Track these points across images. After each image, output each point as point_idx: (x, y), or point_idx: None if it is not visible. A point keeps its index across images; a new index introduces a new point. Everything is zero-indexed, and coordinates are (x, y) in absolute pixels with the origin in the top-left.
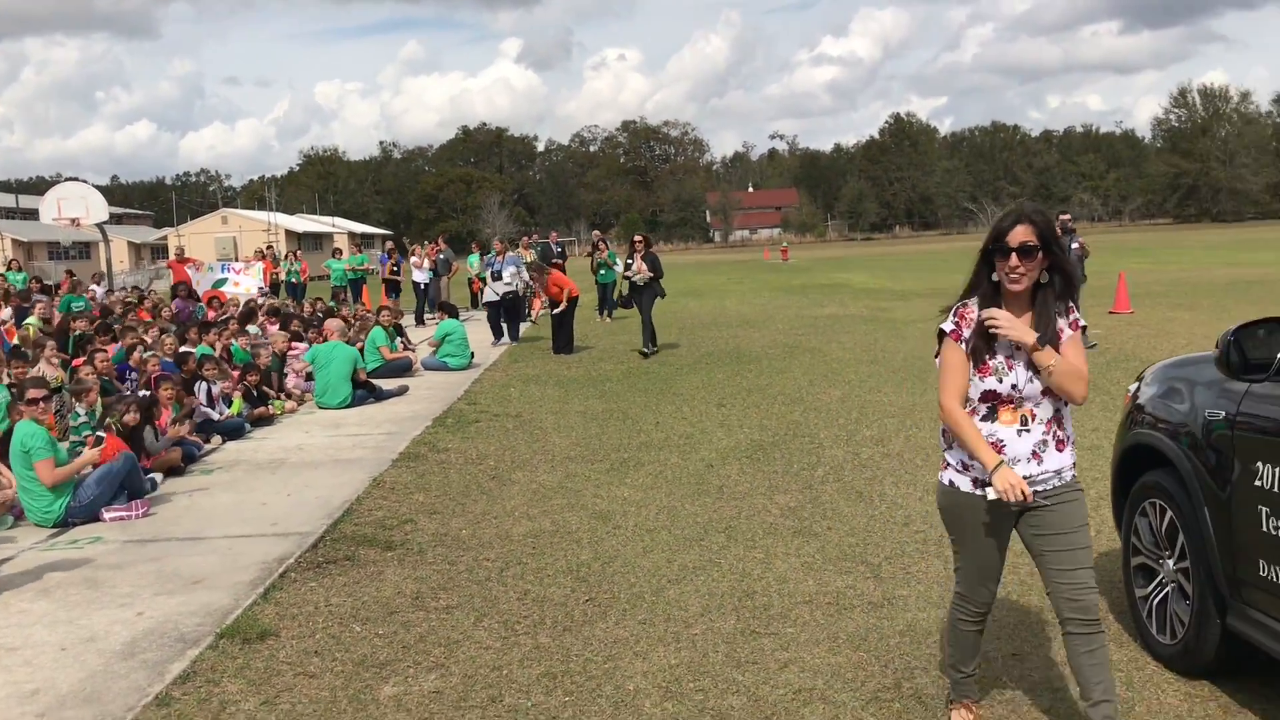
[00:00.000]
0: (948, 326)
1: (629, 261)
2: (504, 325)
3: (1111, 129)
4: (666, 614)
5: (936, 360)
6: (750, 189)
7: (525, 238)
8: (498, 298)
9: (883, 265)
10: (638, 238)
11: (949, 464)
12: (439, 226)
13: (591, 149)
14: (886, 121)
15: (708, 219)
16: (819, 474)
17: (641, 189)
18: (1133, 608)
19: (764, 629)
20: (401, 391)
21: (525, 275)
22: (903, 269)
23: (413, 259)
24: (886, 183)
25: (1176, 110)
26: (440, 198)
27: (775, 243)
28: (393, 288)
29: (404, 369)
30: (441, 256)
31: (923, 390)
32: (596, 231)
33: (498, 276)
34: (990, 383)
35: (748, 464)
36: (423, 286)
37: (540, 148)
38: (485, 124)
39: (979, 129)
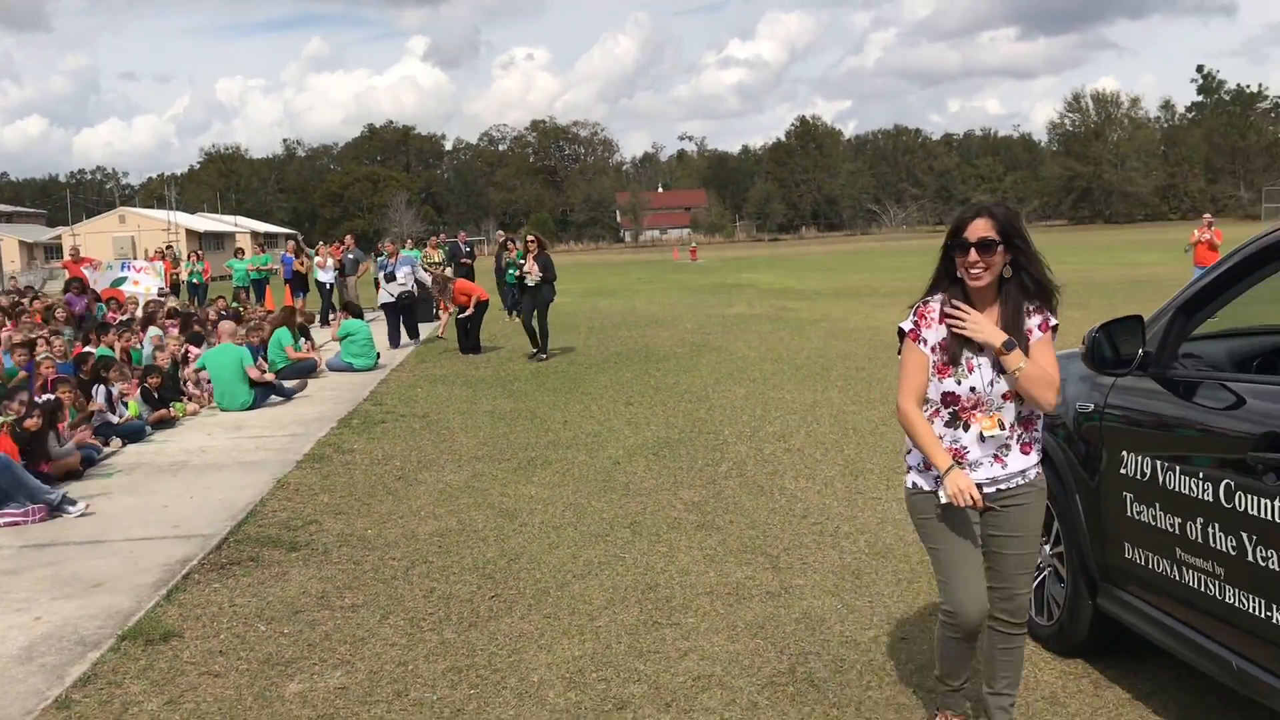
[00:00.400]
0: (907, 325)
1: (521, 262)
2: (403, 327)
3: (1009, 133)
4: (571, 608)
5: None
6: (660, 189)
7: (433, 237)
8: (393, 299)
9: (789, 265)
10: (531, 238)
11: (911, 466)
12: (344, 225)
13: (500, 148)
14: (793, 124)
15: (618, 219)
16: (723, 469)
17: (551, 188)
18: None
19: (665, 620)
20: (302, 387)
21: (420, 275)
22: (808, 269)
23: (316, 258)
24: (793, 184)
25: (1071, 115)
26: (346, 196)
27: (685, 243)
28: (299, 286)
29: (308, 370)
30: (350, 256)
31: (824, 387)
32: (501, 232)
33: (391, 278)
34: (949, 384)
35: (654, 461)
36: (328, 286)
37: (448, 146)
38: (392, 122)
39: (882, 132)
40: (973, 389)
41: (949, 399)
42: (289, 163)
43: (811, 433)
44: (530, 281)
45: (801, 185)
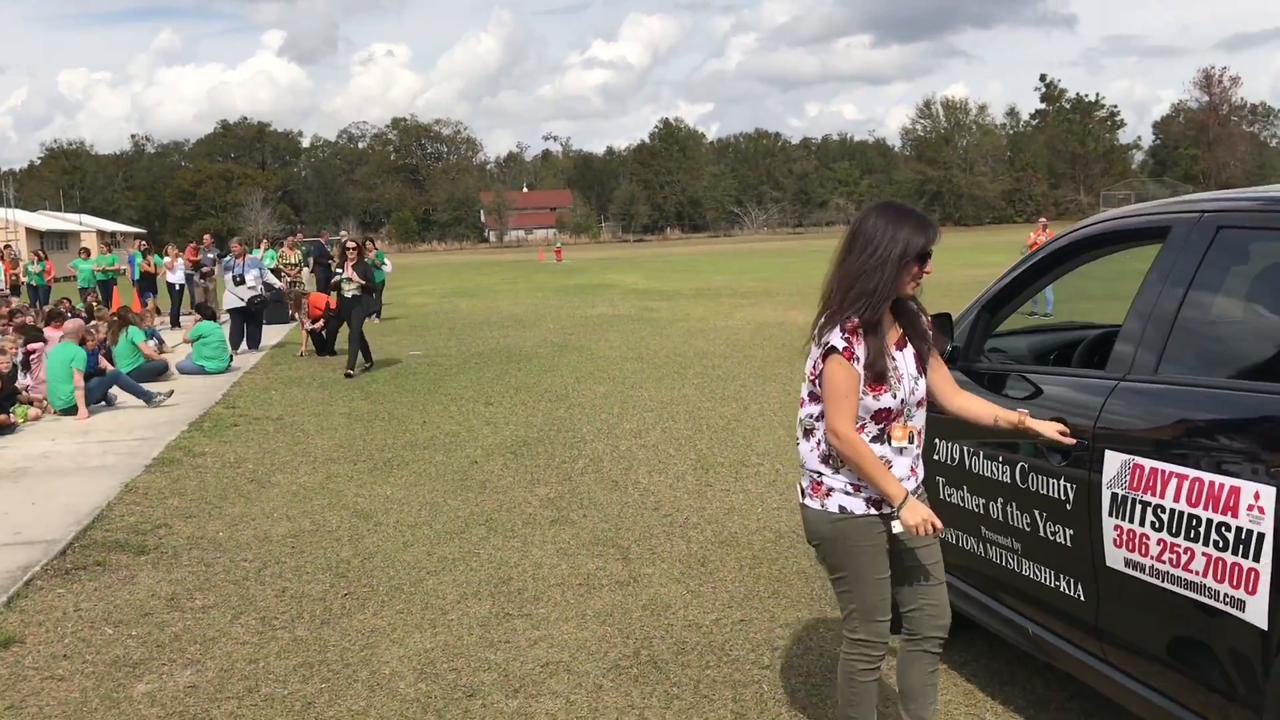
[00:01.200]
0: (839, 344)
1: (338, 270)
2: (246, 333)
3: (865, 137)
4: (424, 603)
5: (812, 377)
6: (525, 189)
7: (290, 237)
8: (242, 303)
9: (652, 266)
10: (350, 243)
11: (834, 488)
12: (198, 225)
13: (360, 146)
14: (656, 126)
15: (482, 219)
16: (579, 466)
17: (413, 187)
18: None
19: (517, 611)
20: (169, 395)
21: (268, 278)
22: (671, 270)
23: (164, 260)
24: (657, 186)
25: (923, 121)
26: (198, 194)
27: (550, 243)
28: (148, 287)
29: (159, 372)
30: (210, 256)
31: (681, 385)
32: (344, 233)
33: (240, 281)
34: (885, 399)
35: (511, 459)
36: (177, 288)
37: (305, 144)
38: (246, 118)
39: (744, 135)
40: (903, 400)
41: (882, 415)
42: (138, 159)
43: (667, 429)
44: (348, 292)
45: (666, 187)
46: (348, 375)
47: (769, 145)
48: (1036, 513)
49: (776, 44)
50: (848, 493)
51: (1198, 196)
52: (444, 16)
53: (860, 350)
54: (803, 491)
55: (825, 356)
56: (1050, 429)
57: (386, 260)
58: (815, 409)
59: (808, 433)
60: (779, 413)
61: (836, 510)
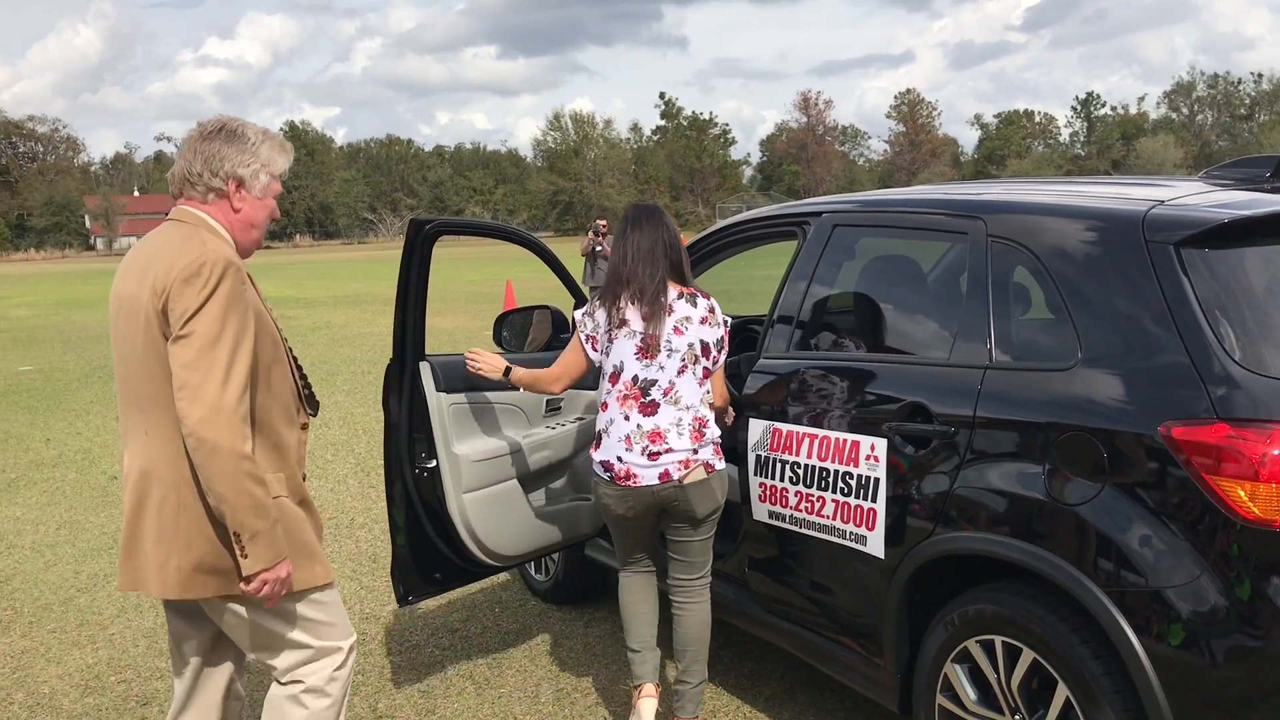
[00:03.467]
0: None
1: None
2: None
3: (498, 147)
4: (80, 620)
5: (716, 355)
6: (136, 193)
7: None
8: None
9: (286, 273)
10: None
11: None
12: None
13: None
14: (282, 128)
15: (88, 224)
16: None
17: (4, 190)
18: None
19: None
20: None
21: None
22: (306, 277)
23: None
24: (286, 190)
25: (553, 133)
26: None
27: None
28: None
29: None
30: None
31: (331, 391)
32: None
33: None
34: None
35: None
36: None
37: None
38: None
39: (375, 141)
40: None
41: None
42: None
43: (322, 435)
44: None
45: (294, 192)
46: None
47: (402, 151)
48: None
49: (403, 50)
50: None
51: (821, 199)
52: (35, 2)
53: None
54: (708, 464)
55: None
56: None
57: None
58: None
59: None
60: None
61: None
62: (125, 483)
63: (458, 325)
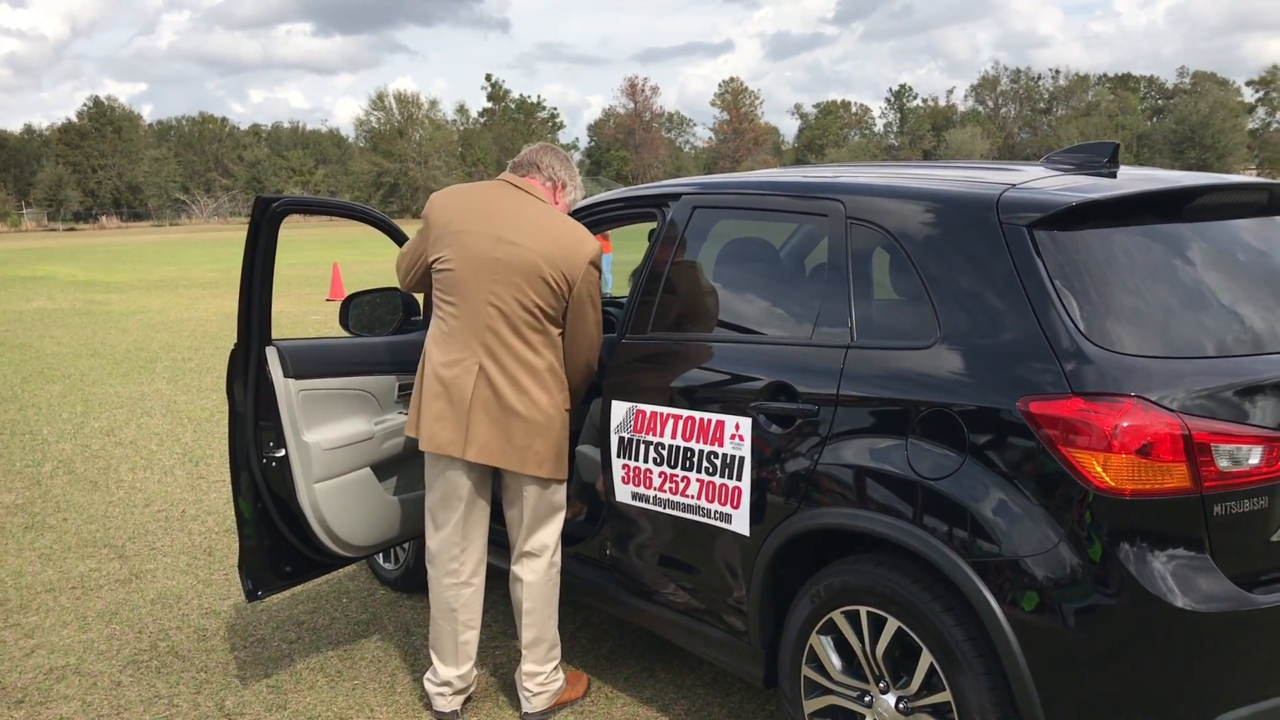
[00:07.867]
0: None
1: None
2: None
3: (318, 127)
4: None
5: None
6: None
7: None
8: None
9: (93, 256)
10: None
11: None
12: None
13: None
14: (85, 105)
15: None
16: (47, 469)
17: None
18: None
19: (3, 622)
20: None
21: None
22: (115, 260)
23: None
24: (90, 170)
25: (376, 113)
26: None
27: None
28: None
29: None
30: None
31: (151, 380)
32: None
33: None
34: None
35: None
36: None
37: None
38: None
39: (186, 119)
40: None
41: None
42: None
43: (143, 425)
44: None
45: (100, 171)
46: None
47: (215, 130)
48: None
49: (212, 25)
50: None
51: (681, 180)
52: None
53: None
54: None
55: None
56: None
57: None
58: None
59: None
60: None
61: None
62: None
63: (281, 310)
